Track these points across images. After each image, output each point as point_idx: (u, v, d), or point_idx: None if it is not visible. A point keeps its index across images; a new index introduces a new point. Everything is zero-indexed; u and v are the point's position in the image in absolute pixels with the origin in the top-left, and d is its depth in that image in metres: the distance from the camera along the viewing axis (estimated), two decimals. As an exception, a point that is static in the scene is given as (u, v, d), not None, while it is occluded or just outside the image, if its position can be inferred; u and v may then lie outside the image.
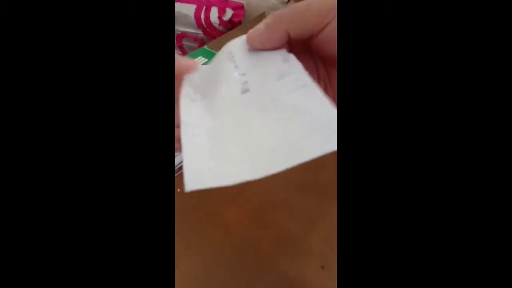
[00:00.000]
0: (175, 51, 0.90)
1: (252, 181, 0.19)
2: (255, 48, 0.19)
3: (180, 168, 0.40)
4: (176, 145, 0.22)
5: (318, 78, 0.21)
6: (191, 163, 0.17)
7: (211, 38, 0.92)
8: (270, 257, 0.31)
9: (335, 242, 0.32)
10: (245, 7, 0.91)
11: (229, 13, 0.88)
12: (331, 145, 0.15)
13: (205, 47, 0.71)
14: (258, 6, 0.91)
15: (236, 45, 0.20)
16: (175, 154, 0.39)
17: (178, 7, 0.93)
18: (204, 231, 0.34)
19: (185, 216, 0.35)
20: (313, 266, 0.30)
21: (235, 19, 0.89)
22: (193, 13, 0.91)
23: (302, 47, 0.20)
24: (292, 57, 0.18)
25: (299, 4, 0.18)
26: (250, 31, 0.19)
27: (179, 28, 0.96)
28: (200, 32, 0.93)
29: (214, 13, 0.89)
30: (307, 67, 0.18)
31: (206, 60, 0.64)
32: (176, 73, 0.24)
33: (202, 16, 0.90)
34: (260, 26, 0.19)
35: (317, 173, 0.41)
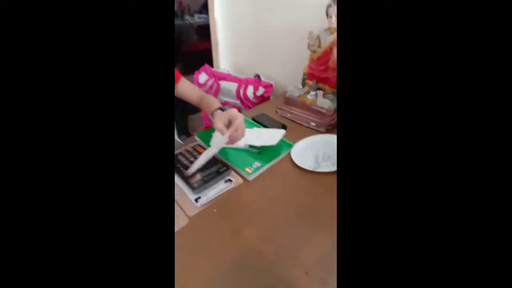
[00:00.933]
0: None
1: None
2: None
3: (218, 196, 0.54)
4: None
5: None
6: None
7: (246, 107, 1.17)
8: (270, 264, 0.42)
9: (318, 255, 0.42)
10: (273, 86, 1.16)
11: (261, 90, 1.14)
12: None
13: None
14: (283, 86, 1.16)
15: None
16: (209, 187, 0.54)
17: (224, 84, 1.22)
18: (227, 243, 0.46)
19: (215, 232, 0.48)
20: (300, 272, 0.40)
21: (266, 95, 1.13)
22: (235, 89, 1.19)
23: None
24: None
25: None
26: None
27: (223, 98, 1.23)
28: (238, 102, 1.19)
29: (250, 90, 1.15)
30: None
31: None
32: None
33: (241, 91, 1.17)
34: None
35: (313, 198, 0.53)
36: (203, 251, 0.44)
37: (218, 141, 0.58)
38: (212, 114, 0.65)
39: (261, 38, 1.21)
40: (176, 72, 0.74)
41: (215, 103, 0.68)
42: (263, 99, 1.14)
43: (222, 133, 0.57)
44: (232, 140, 0.58)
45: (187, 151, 0.65)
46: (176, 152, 0.66)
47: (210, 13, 1.37)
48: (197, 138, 0.74)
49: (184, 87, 0.74)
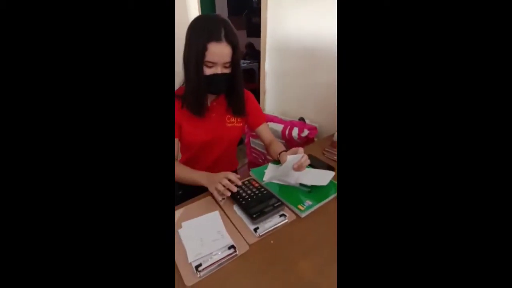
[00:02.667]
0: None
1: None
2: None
3: (273, 228, 0.60)
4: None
5: None
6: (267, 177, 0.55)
7: (291, 147, 1.25)
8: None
9: None
10: (317, 128, 1.24)
11: (306, 131, 1.22)
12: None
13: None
14: (326, 129, 1.23)
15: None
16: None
17: (271, 125, 1.34)
18: (285, 273, 0.50)
19: (273, 261, 0.53)
20: None
21: (310, 136, 1.21)
22: (281, 129, 1.29)
23: None
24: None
25: None
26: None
27: (269, 138, 1.34)
28: (283, 142, 1.29)
29: (295, 131, 1.24)
30: None
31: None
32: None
33: (287, 132, 1.27)
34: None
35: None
36: (264, 277, 0.49)
37: (292, 159, 0.69)
38: (279, 154, 0.80)
39: (306, 88, 1.33)
40: (263, 114, 0.94)
41: (281, 147, 0.85)
42: (307, 140, 1.22)
43: (296, 153, 0.71)
44: (300, 166, 0.69)
45: (244, 184, 0.74)
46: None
47: (261, 64, 1.57)
48: (251, 173, 0.83)
49: (263, 130, 0.93)
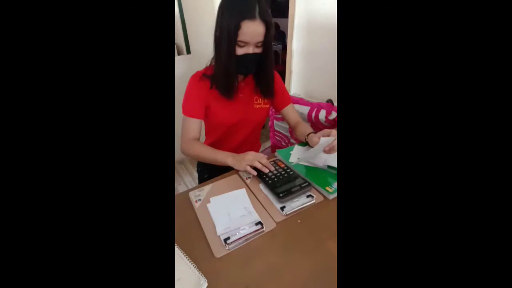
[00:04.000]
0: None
1: None
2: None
3: (301, 208, 0.60)
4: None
5: None
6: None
7: (317, 130, 1.22)
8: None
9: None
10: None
11: (334, 114, 1.18)
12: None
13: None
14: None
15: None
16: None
17: (297, 107, 1.31)
18: (312, 251, 0.50)
19: (300, 240, 0.53)
20: None
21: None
22: (307, 112, 1.26)
23: None
24: None
25: None
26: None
27: (294, 120, 1.31)
28: (309, 124, 1.25)
29: (322, 114, 1.20)
30: None
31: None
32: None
33: (313, 114, 1.23)
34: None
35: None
36: (291, 253, 0.49)
37: (325, 141, 0.69)
38: (307, 136, 0.80)
39: (333, 67, 1.27)
40: (289, 95, 0.93)
41: (309, 128, 0.84)
42: (335, 123, 1.17)
43: (328, 135, 0.71)
44: (331, 149, 0.69)
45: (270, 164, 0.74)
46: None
47: (288, 43, 1.51)
48: (277, 154, 0.82)
49: (290, 111, 0.92)
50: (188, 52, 1.73)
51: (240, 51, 0.68)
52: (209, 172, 0.95)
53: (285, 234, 0.54)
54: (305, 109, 1.27)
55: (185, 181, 1.87)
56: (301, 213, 0.59)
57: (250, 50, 0.68)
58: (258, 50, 0.70)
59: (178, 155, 1.96)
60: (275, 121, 1.49)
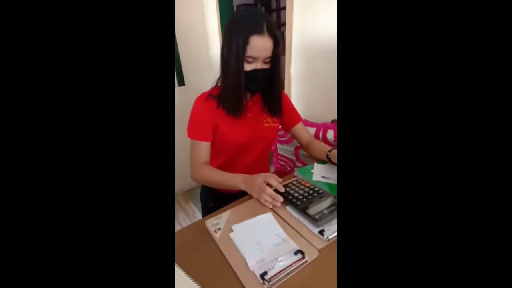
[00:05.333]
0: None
1: None
2: None
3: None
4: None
5: None
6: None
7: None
8: None
9: None
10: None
11: (342, 133, 1.14)
12: None
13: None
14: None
15: None
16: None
17: (303, 128, 1.27)
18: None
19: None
20: None
21: (348, 138, 1.13)
22: (313, 132, 1.22)
23: None
24: None
25: None
26: None
27: (301, 142, 1.27)
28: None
29: (330, 133, 1.17)
30: None
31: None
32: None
33: (320, 135, 1.20)
34: None
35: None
36: None
37: None
38: (329, 152, 0.75)
39: (335, 89, 1.27)
40: (298, 113, 0.89)
41: (327, 145, 0.80)
42: (345, 142, 1.13)
43: None
44: None
45: (293, 184, 0.66)
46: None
47: (286, 67, 1.53)
48: (296, 173, 0.75)
49: (300, 129, 0.88)
50: (182, 84, 1.72)
51: (248, 67, 0.65)
52: (214, 201, 0.86)
53: (332, 262, 0.44)
54: (312, 130, 1.23)
55: (179, 219, 1.71)
56: (344, 236, 0.50)
57: (259, 65, 0.66)
58: (267, 66, 0.68)
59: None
60: (278, 145, 1.44)
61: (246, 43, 0.62)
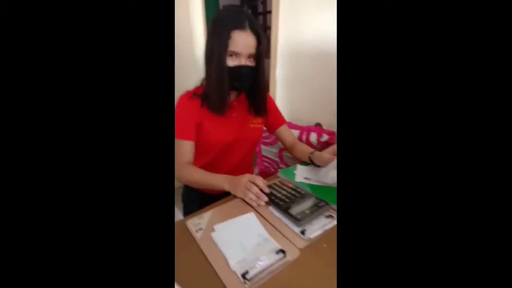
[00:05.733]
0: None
1: None
2: None
3: (324, 231, 0.52)
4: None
5: None
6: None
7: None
8: None
9: None
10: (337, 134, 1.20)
11: (325, 136, 1.17)
12: None
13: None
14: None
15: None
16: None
17: (286, 131, 1.28)
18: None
19: (332, 268, 0.44)
20: None
21: (331, 141, 1.16)
22: (297, 135, 1.24)
23: None
24: None
25: None
26: None
27: (285, 144, 1.28)
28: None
29: (313, 136, 1.19)
30: None
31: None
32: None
33: (304, 137, 1.22)
34: None
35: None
36: (330, 283, 0.40)
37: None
38: (311, 154, 0.76)
39: (321, 94, 1.30)
40: (282, 116, 0.90)
41: (309, 148, 0.81)
42: (327, 145, 1.16)
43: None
44: None
45: (276, 185, 0.66)
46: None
47: (271, 71, 1.55)
48: (280, 174, 0.76)
49: (285, 131, 0.89)
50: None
51: (231, 62, 0.66)
52: (197, 202, 0.84)
53: (313, 262, 0.45)
54: (295, 133, 1.25)
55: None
56: (325, 236, 0.51)
57: (243, 62, 0.67)
58: (251, 63, 0.68)
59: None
60: (263, 146, 1.45)
61: (228, 37, 0.63)
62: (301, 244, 0.49)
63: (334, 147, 0.70)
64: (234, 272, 0.42)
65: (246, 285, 0.40)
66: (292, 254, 0.46)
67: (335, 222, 0.54)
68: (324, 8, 1.16)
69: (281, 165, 1.38)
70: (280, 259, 0.44)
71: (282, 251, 0.46)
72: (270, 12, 1.50)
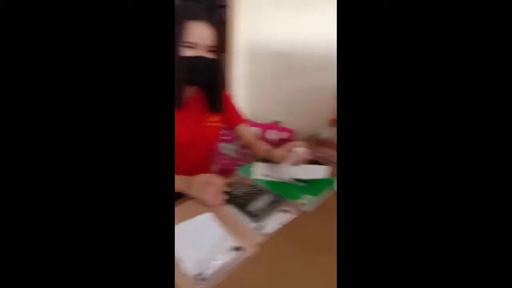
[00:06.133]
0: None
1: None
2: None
3: (280, 226, 0.53)
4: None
5: None
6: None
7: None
8: None
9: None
10: (295, 131, 1.24)
11: (283, 134, 1.20)
12: None
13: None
14: (303, 132, 1.24)
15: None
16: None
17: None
18: (308, 271, 0.43)
19: (290, 260, 0.45)
20: None
21: (288, 138, 1.20)
22: (256, 132, 1.24)
23: None
24: None
25: None
26: None
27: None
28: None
29: (271, 133, 1.21)
30: None
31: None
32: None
33: (262, 134, 1.23)
34: None
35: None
36: (284, 277, 0.41)
37: (296, 154, 0.69)
38: (269, 151, 0.78)
39: (279, 92, 1.33)
40: (241, 114, 0.89)
41: (268, 145, 0.83)
42: (285, 142, 1.19)
43: (290, 149, 0.71)
44: (298, 161, 0.70)
45: (235, 183, 0.66)
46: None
47: (231, 68, 1.53)
48: (239, 171, 0.75)
49: (244, 128, 0.89)
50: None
51: (189, 52, 0.64)
52: None
53: (271, 256, 0.45)
54: (254, 130, 1.26)
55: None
56: (281, 230, 0.52)
57: (200, 52, 0.65)
58: (209, 55, 0.67)
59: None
60: (222, 144, 1.42)
61: (183, 27, 0.62)
62: (259, 239, 0.49)
63: (291, 144, 0.72)
64: (187, 274, 0.40)
65: (199, 286, 0.38)
66: (250, 250, 0.46)
67: (291, 216, 0.56)
68: (276, 8, 1.19)
69: (240, 162, 1.38)
70: (237, 256, 0.44)
71: (238, 248, 0.45)
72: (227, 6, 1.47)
